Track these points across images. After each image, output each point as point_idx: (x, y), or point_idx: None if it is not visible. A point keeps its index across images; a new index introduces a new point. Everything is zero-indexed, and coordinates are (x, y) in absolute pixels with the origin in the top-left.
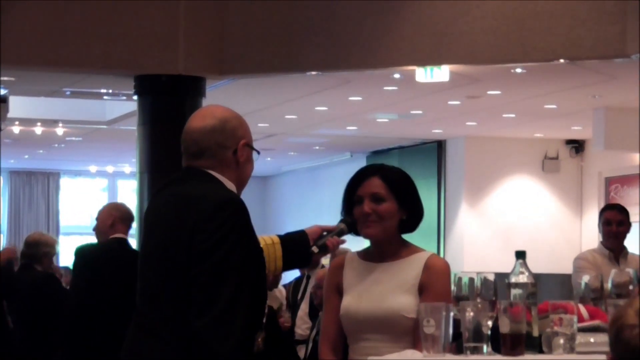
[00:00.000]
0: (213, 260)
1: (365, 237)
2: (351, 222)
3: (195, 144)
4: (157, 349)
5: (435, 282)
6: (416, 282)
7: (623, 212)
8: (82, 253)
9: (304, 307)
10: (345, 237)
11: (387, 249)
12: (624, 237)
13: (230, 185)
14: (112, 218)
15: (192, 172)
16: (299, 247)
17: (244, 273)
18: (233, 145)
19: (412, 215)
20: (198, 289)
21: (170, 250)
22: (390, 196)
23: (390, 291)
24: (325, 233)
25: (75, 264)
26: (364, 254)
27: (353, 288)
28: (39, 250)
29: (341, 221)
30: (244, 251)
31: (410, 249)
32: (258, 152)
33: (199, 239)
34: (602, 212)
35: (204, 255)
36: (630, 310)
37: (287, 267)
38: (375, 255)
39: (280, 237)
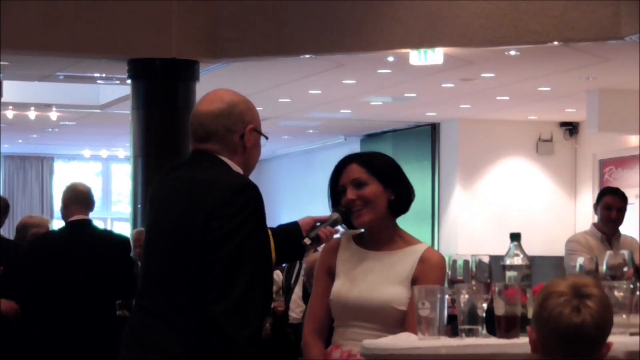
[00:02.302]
0: (230, 247)
1: (358, 226)
2: (345, 211)
3: (202, 128)
4: (167, 333)
5: (428, 275)
6: (410, 274)
7: (624, 199)
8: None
9: (297, 291)
10: (338, 227)
11: (382, 235)
12: (621, 223)
13: (238, 170)
14: (63, 201)
15: (201, 156)
16: (292, 240)
17: (259, 259)
18: (240, 130)
19: (399, 194)
20: (215, 275)
21: (183, 234)
22: (371, 179)
23: (382, 281)
24: (318, 224)
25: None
26: (359, 239)
27: (346, 273)
28: (26, 232)
29: (335, 210)
30: (260, 237)
31: (406, 240)
32: (266, 137)
33: (216, 224)
34: (602, 195)
35: (221, 241)
36: (562, 282)
37: (280, 259)
38: (371, 243)
39: (272, 229)
